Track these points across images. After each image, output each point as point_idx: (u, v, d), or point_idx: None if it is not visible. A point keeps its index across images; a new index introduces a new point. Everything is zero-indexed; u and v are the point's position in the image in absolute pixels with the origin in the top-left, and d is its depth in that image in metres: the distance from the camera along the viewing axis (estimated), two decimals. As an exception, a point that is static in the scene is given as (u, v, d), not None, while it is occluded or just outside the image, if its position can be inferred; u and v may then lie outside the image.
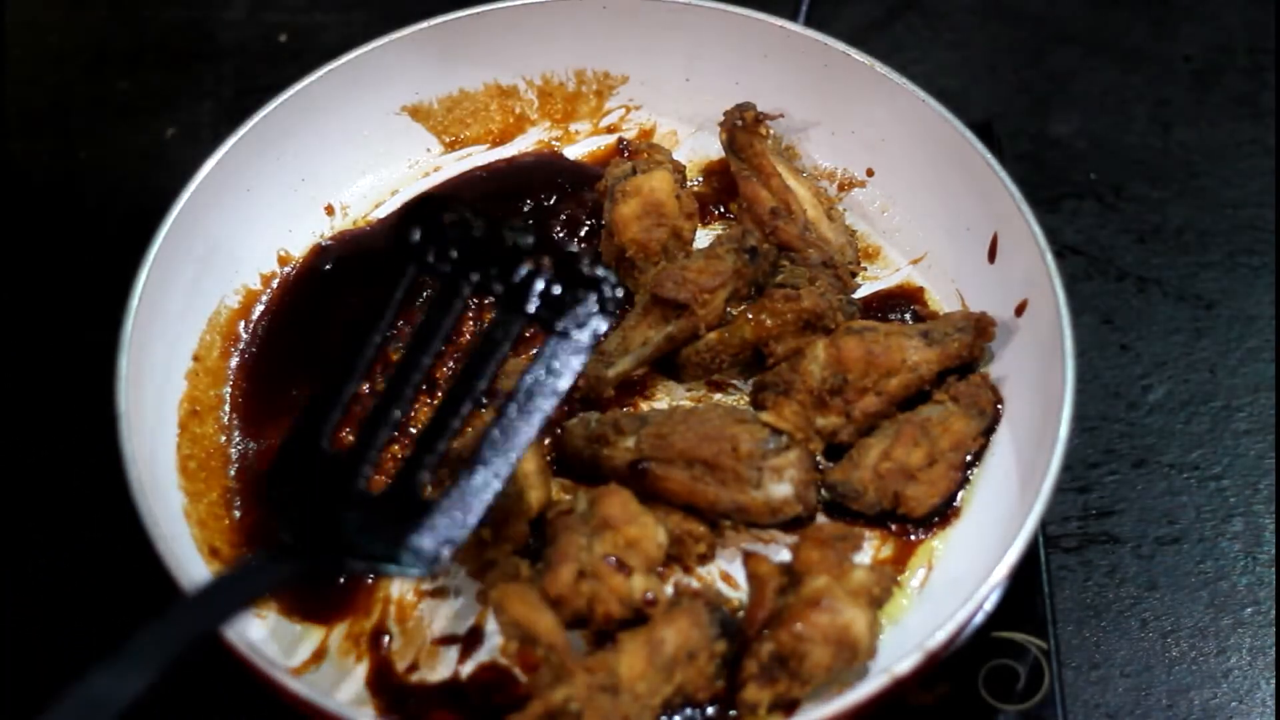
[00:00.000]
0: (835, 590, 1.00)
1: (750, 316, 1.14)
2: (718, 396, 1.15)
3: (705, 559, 1.08)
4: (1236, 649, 1.16)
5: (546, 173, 1.26)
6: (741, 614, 1.03)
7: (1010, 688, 1.08)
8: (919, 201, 1.19)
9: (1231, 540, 1.21)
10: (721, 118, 1.23)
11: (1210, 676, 1.15)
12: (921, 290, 1.19)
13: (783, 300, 1.13)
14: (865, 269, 1.21)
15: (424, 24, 1.25)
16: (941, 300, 1.18)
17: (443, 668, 1.06)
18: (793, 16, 1.30)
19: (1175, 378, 1.29)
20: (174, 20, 1.54)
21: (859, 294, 1.19)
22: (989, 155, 1.10)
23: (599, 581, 1.01)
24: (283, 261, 1.26)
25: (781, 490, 1.06)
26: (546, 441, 1.13)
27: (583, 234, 1.23)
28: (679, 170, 1.22)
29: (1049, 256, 1.06)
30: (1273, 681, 1.14)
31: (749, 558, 1.05)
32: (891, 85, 1.16)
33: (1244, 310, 1.32)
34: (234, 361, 1.21)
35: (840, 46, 1.18)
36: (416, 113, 1.29)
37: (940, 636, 0.96)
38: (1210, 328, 1.32)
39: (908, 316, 1.17)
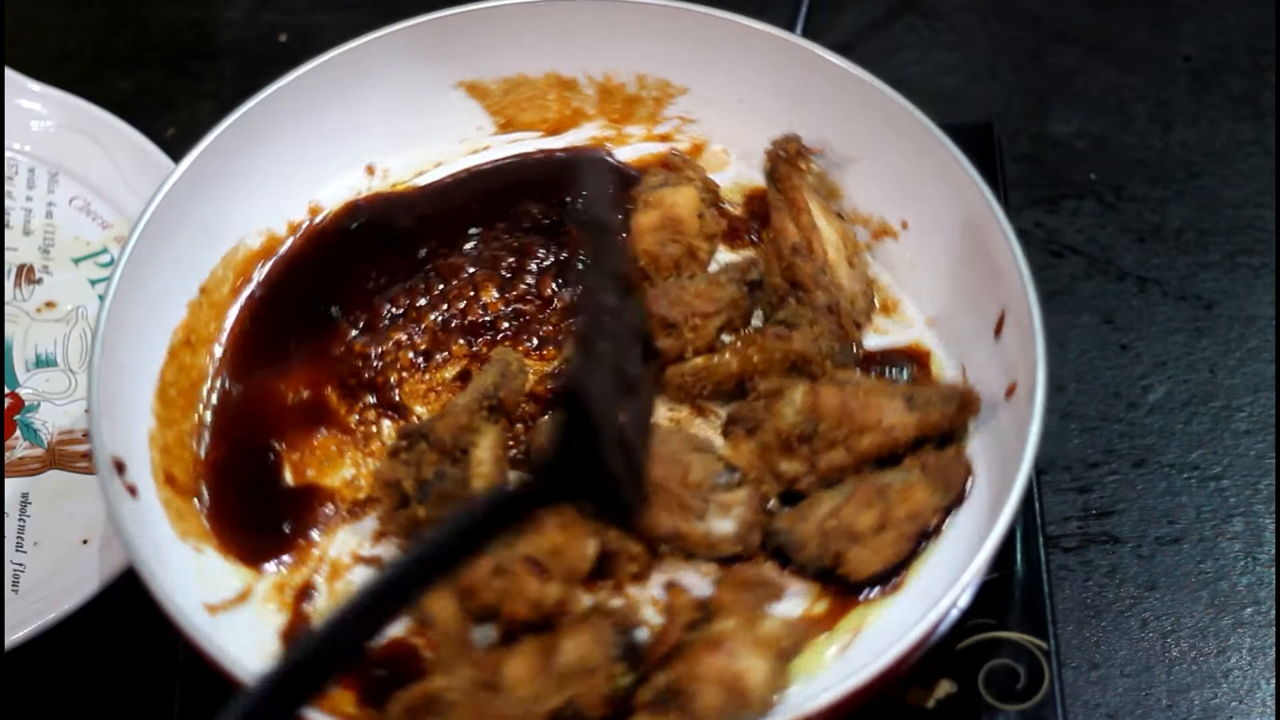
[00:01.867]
0: (740, 635, 0.98)
1: (739, 348, 1.13)
2: (698, 421, 1.14)
3: (638, 579, 1.07)
4: (1236, 649, 1.16)
5: (594, 170, 1.25)
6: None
7: (1010, 688, 1.08)
8: (944, 264, 1.16)
9: (1231, 540, 1.21)
10: (769, 145, 1.22)
11: (1210, 676, 1.15)
12: (929, 354, 1.16)
13: (773, 338, 1.12)
14: (877, 323, 1.18)
15: (492, 2, 1.24)
16: (946, 367, 1.15)
17: (356, 635, 1.07)
18: (792, 16, 1.31)
19: (1175, 378, 1.29)
20: (174, 20, 1.54)
21: (869, 344, 1.17)
22: (1011, 233, 1.08)
23: (513, 580, 1.00)
24: (312, 212, 1.26)
25: (724, 526, 1.05)
26: (512, 439, 1.13)
27: None
28: (710, 190, 1.21)
29: (1039, 342, 1.03)
30: (1273, 681, 1.14)
31: (670, 588, 1.04)
32: (931, 139, 1.14)
33: (1244, 310, 1.32)
34: (240, 301, 1.22)
35: (890, 93, 1.16)
36: (474, 89, 1.29)
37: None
38: (1210, 328, 1.32)
39: (905, 374, 1.15)
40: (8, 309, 1.29)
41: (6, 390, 1.25)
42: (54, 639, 1.11)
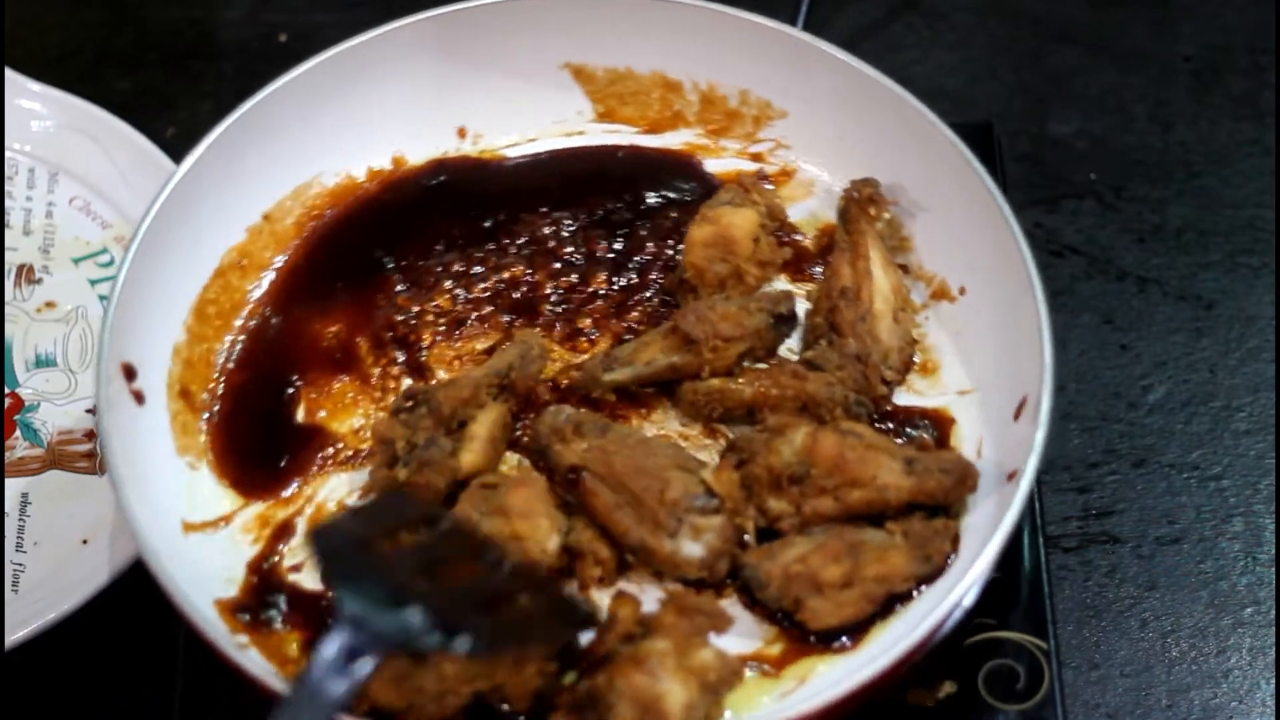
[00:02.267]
0: (667, 658, 0.98)
1: (756, 378, 1.12)
2: (707, 441, 1.14)
3: (602, 583, 1.06)
4: (1236, 649, 1.16)
5: (682, 175, 1.27)
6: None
7: (1010, 688, 1.08)
8: (987, 339, 1.15)
9: (1231, 540, 1.21)
10: (847, 184, 1.21)
11: (1210, 676, 1.15)
12: (952, 423, 1.14)
13: (790, 375, 1.11)
14: (912, 382, 1.16)
15: None
16: (965, 439, 1.13)
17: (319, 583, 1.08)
18: (792, 17, 1.30)
19: (1175, 378, 1.29)
20: (174, 20, 1.54)
21: (899, 401, 1.15)
22: (1046, 324, 1.07)
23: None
24: (396, 163, 1.27)
25: (692, 549, 1.04)
26: (520, 421, 1.14)
27: (670, 246, 1.23)
28: (774, 218, 1.20)
29: (1040, 433, 1.03)
30: (1273, 681, 1.14)
31: (617, 596, 1.04)
32: (997, 215, 1.12)
33: (1244, 310, 1.32)
34: (303, 235, 1.23)
35: (972, 161, 1.14)
36: (579, 73, 1.29)
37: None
38: (1210, 328, 1.32)
39: (926, 436, 1.13)
40: (8, 309, 1.29)
41: (6, 390, 1.25)
42: (54, 639, 1.11)
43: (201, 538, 1.10)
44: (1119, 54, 1.49)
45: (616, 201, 1.26)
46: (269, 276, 1.22)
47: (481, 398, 1.10)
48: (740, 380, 1.13)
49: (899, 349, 1.15)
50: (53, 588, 1.14)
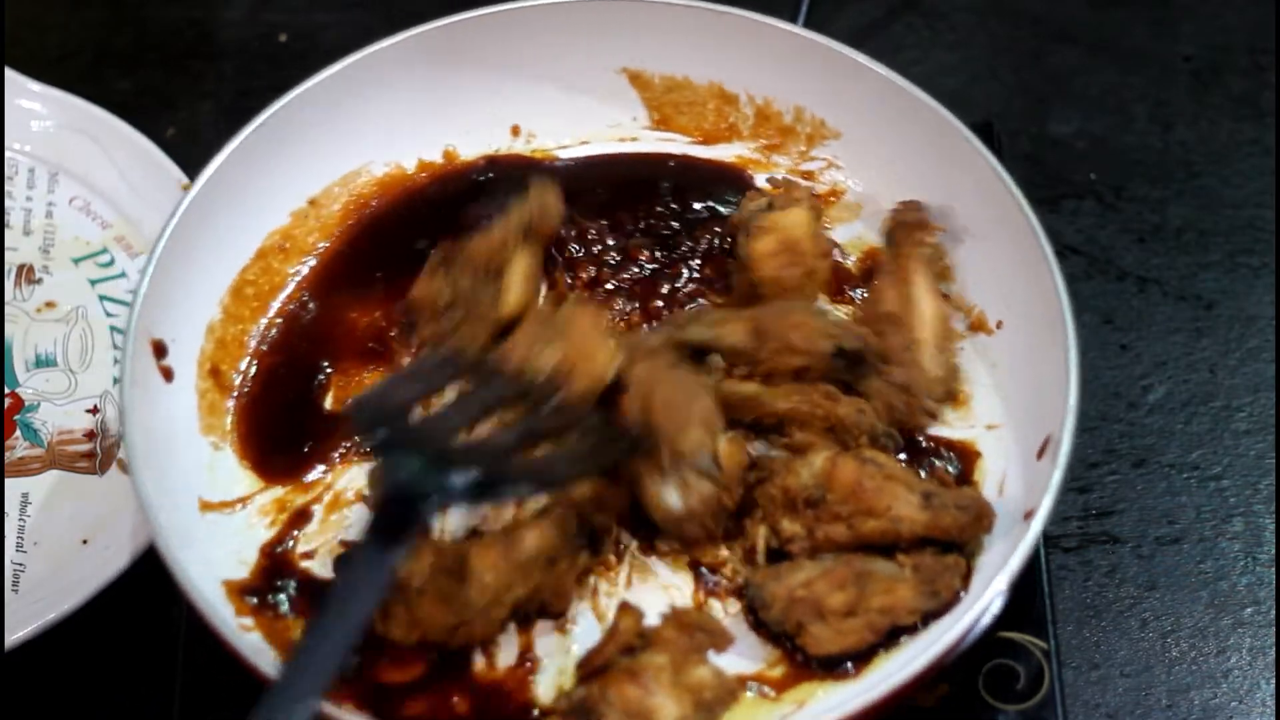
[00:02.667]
0: (662, 673, 0.98)
1: (791, 393, 1.12)
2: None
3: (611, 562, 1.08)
4: (1236, 649, 1.16)
5: (732, 188, 1.26)
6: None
7: (1010, 688, 1.08)
8: (1019, 376, 1.14)
9: (1231, 540, 1.21)
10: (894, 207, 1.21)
11: (1210, 676, 1.15)
12: (978, 457, 1.13)
13: (823, 395, 1.11)
14: (946, 411, 1.15)
15: (674, 0, 1.24)
16: (989, 475, 1.12)
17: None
18: (793, 13, 1.30)
19: (1175, 378, 1.29)
20: (174, 20, 1.54)
21: (928, 431, 1.14)
22: (1075, 366, 1.06)
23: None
24: (447, 157, 1.28)
25: (672, 500, 1.05)
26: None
27: (715, 256, 1.23)
28: (816, 209, 1.20)
29: (1057, 475, 1.03)
30: (1273, 681, 1.15)
31: (621, 607, 1.04)
32: (1038, 252, 1.11)
33: (1244, 310, 1.32)
34: (348, 223, 1.25)
35: (1020, 201, 1.13)
36: (636, 79, 1.29)
37: None
38: (1210, 328, 1.32)
39: (950, 468, 1.12)
40: (8, 309, 1.29)
41: (6, 390, 1.25)
42: (54, 639, 1.11)
43: (217, 517, 1.11)
44: (1119, 54, 1.49)
45: (664, 210, 1.26)
46: (310, 262, 1.23)
47: (510, 245, 1.13)
48: (776, 391, 1.12)
49: (941, 379, 1.14)
50: (53, 588, 1.14)
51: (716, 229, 1.24)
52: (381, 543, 0.96)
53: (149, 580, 1.11)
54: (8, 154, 1.36)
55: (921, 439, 1.13)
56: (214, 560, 1.08)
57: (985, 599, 1.00)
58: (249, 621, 1.06)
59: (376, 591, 0.95)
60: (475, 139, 1.29)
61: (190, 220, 1.15)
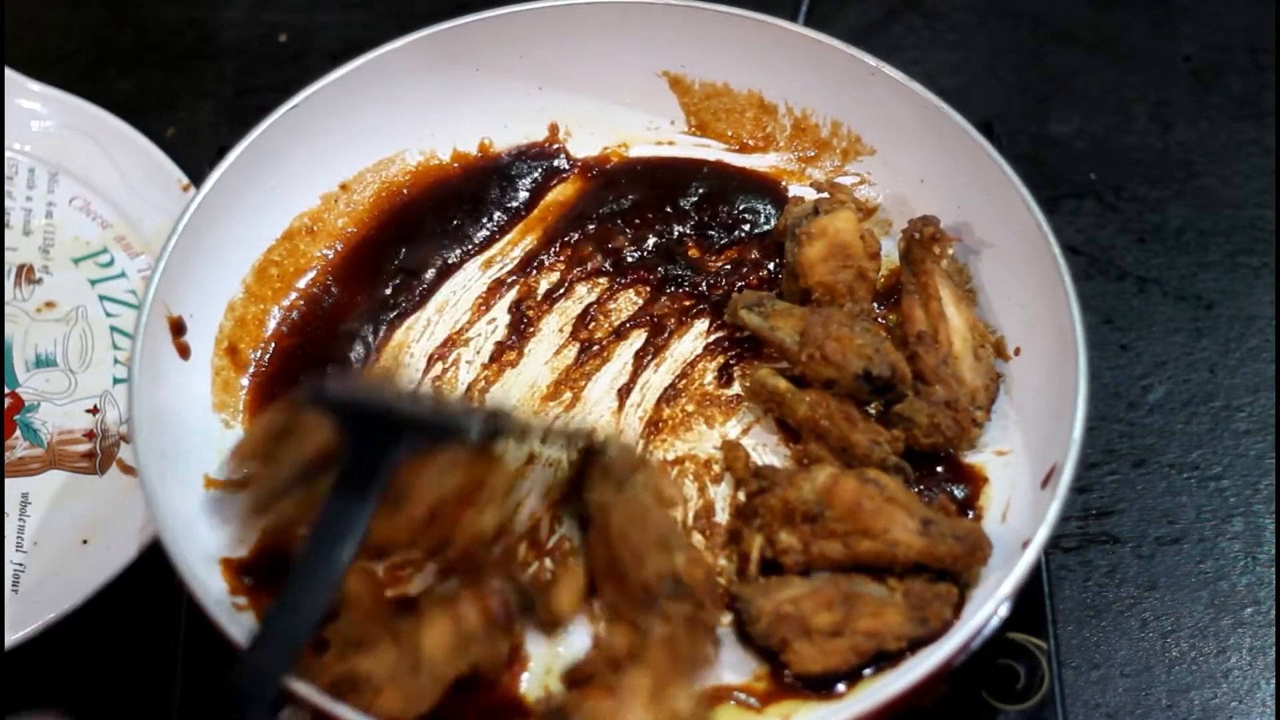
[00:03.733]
0: (640, 692, 0.98)
1: (818, 402, 1.12)
2: (758, 428, 1.15)
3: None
4: (1236, 649, 1.16)
5: (765, 197, 1.27)
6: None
7: (1010, 688, 1.08)
8: (1032, 404, 1.13)
9: (1231, 540, 1.21)
10: (905, 225, 1.20)
11: (1210, 676, 1.15)
12: (985, 482, 1.12)
13: (843, 416, 1.11)
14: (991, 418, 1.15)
15: (719, 7, 1.24)
16: (995, 502, 1.11)
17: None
18: (793, 15, 1.30)
19: (1175, 378, 1.29)
20: (174, 20, 1.54)
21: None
22: (1083, 400, 1.05)
23: (451, 519, 1.02)
24: (482, 149, 1.29)
25: (658, 629, 1.02)
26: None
27: (761, 273, 1.23)
28: (862, 210, 1.20)
29: (1055, 505, 1.02)
30: (1273, 681, 1.15)
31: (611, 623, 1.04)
32: (1058, 287, 1.10)
33: (1244, 310, 1.32)
34: (378, 210, 1.25)
35: (1048, 234, 1.12)
36: (676, 83, 1.29)
37: None
38: (1210, 328, 1.32)
39: (958, 491, 1.12)
40: (8, 309, 1.29)
41: (6, 390, 1.25)
42: (54, 639, 1.11)
43: (223, 495, 1.10)
44: (1119, 54, 1.49)
45: (695, 214, 1.26)
46: (337, 246, 1.24)
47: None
48: (800, 395, 1.12)
49: (984, 386, 1.14)
50: (53, 588, 1.14)
51: (741, 235, 1.24)
52: (350, 490, 0.97)
53: (149, 581, 1.11)
54: (8, 154, 1.36)
55: (938, 466, 1.13)
56: (215, 537, 1.07)
57: (973, 625, 1.00)
58: (243, 601, 1.06)
59: (353, 542, 0.96)
60: (512, 133, 1.30)
61: (218, 195, 1.15)
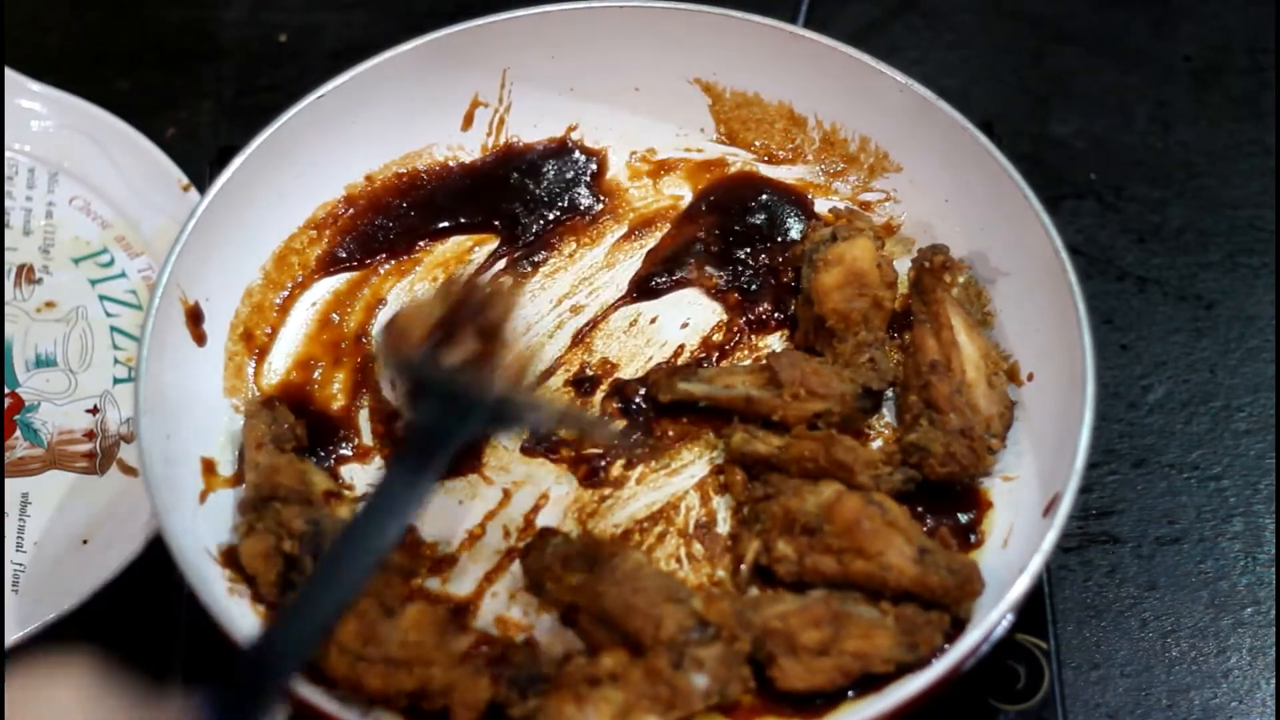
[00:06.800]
0: (609, 708, 0.98)
1: (809, 453, 1.10)
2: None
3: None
4: (1236, 649, 1.16)
5: (791, 209, 1.26)
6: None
7: (1010, 688, 1.08)
8: (1041, 431, 1.13)
9: (1231, 540, 1.21)
10: (914, 254, 1.20)
11: (1210, 676, 1.15)
12: (990, 507, 1.12)
13: (843, 449, 1.09)
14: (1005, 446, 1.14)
15: (752, 16, 1.23)
16: (998, 527, 1.11)
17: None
18: (793, 16, 1.30)
19: (1175, 378, 1.29)
20: (174, 20, 1.54)
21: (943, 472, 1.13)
22: (1087, 430, 1.05)
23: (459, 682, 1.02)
24: (509, 147, 1.29)
25: (700, 681, 1.01)
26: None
27: (774, 283, 1.23)
28: (880, 237, 1.19)
29: (1052, 535, 1.01)
30: (1273, 681, 1.15)
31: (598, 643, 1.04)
32: (1070, 314, 1.10)
33: (1244, 310, 1.32)
34: (393, 207, 1.26)
35: (1066, 263, 1.12)
36: (708, 90, 1.29)
37: None
38: (1210, 328, 1.32)
39: (963, 518, 1.11)
40: (8, 309, 1.29)
41: (6, 390, 1.25)
42: (54, 639, 1.11)
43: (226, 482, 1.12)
44: (1119, 54, 1.49)
45: (720, 222, 1.26)
46: (352, 239, 1.24)
47: (299, 467, 1.10)
48: (791, 447, 1.11)
49: (1000, 414, 1.13)
50: (53, 588, 1.14)
51: (764, 247, 1.24)
52: (411, 468, 0.98)
53: (149, 580, 1.11)
54: (8, 154, 1.36)
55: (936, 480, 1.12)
56: (217, 522, 1.08)
57: (960, 650, 1.00)
58: (243, 588, 1.06)
59: (405, 515, 0.98)
60: (541, 132, 1.30)
61: (240, 180, 1.16)
